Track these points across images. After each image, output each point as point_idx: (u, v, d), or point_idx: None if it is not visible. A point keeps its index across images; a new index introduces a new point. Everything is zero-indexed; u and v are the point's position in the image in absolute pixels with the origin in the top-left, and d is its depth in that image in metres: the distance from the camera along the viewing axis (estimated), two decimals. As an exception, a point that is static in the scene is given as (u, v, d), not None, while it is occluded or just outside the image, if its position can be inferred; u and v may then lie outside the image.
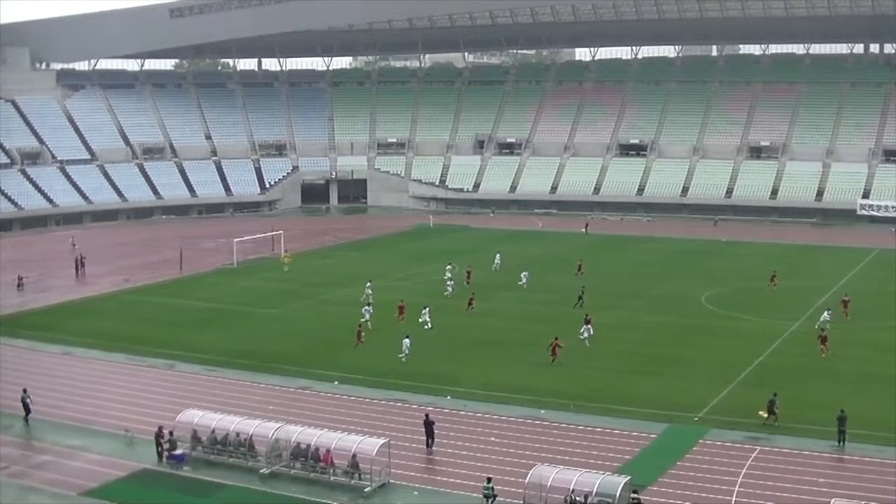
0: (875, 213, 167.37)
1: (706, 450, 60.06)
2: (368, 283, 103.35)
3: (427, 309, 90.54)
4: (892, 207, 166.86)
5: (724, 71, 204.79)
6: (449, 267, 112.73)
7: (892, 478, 55.59)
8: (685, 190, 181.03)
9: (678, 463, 57.88)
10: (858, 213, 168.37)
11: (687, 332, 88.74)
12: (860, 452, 59.52)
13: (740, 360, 78.87)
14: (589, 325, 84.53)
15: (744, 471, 56.51)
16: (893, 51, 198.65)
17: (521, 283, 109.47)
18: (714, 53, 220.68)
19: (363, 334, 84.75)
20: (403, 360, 78.13)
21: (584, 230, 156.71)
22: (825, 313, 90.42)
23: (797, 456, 59.03)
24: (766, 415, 63.95)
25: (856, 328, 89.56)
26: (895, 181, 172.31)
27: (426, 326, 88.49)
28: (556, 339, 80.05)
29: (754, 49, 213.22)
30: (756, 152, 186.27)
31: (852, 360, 79.66)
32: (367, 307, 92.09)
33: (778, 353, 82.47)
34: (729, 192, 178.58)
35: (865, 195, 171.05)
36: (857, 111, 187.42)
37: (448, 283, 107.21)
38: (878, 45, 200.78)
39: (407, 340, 79.41)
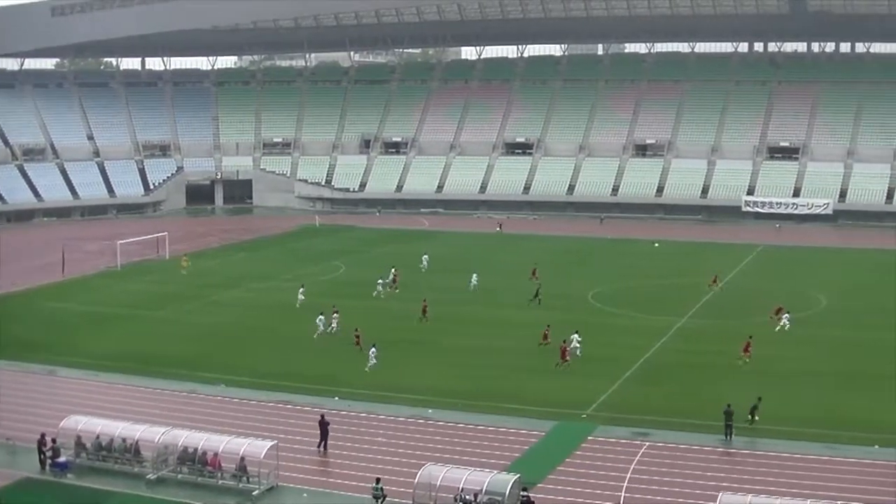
0: (760, 210, 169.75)
1: (594, 446, 60.28)
2: (301, 289, 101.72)
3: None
4: (777, 204, 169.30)
5: (609, 69, 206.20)
6: (393, 270, 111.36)
7: (779, 470, 56.29)
8: (571, 188, 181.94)
9: (567, 460, 58.01)
10: (743, 209, 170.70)
11: (573, 329, 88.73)
12: (746, 445, 60.24)
13: (627, 357, 79.33)
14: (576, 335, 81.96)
15: (632, 466, 56.81)
16: (777, 49, 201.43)
17: (471, 285, 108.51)
18: (599, 52, 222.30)
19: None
20: (368, 370, 76.82)
21: (497, 229, 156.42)
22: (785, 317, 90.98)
23: (685, 451, 59.50)
24: (752, 418, 63.61)
25: (741, 324, 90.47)
26: (779, 178, 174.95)
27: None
28: (548, 326, 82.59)
29: (640, 48, 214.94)
30: (642, 150, 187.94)
31: (735, 355, 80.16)
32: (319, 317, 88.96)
33: (665, 349, 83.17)
34: (615, 189, 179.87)
35: (750, 192, 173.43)
36: (742, 109, 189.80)
37: (379, 283, 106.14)
38: (762, 44, 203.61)
39: (374, 350, 77.86)
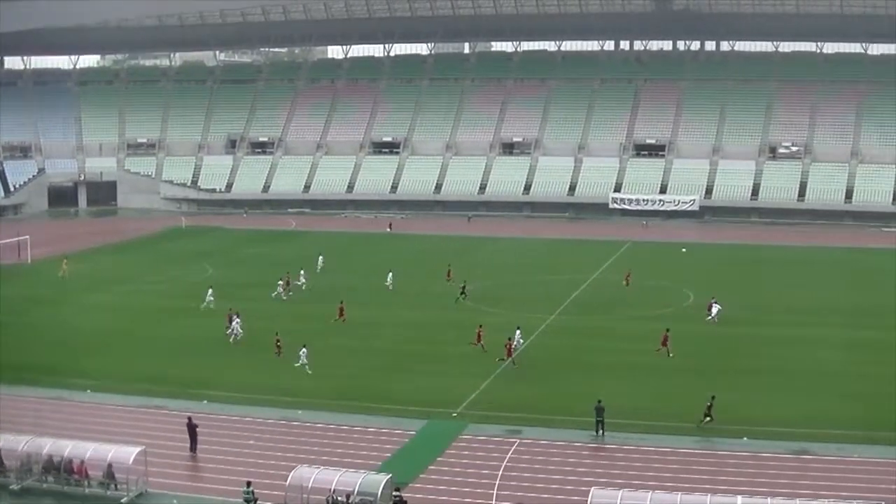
0: (627, 207, 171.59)
1: (466, 445, 60.11)
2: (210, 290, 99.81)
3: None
4: (644, 201, 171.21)
5: (476, 68, 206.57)
6: (302, 272, 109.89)
7: (649, 464, 56.68)
8: (439, 187, 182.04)
9: (439, 459, 57.74)
10: (611, 206, 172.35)
11: (444, 329, 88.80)
12: (617, 441, 60.55)
13: (498, 354, 79.04)
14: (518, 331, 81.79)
15: (504, 464, 56.70)
16: (643, 48, 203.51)
17: (387, 284, 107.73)
18: (466, 51, 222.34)
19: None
20: (309, 371, 75.68)
21: (388, 229, 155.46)
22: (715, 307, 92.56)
23: (557, 447, 59.58)
24: (705, 418, 63.46)
25: (608, 318, 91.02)
26: (646, 175, 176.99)
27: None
28: (480, 326, 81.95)
29: (506, 46, 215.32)
30: (509, 148, 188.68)
31: (605, 351, 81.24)
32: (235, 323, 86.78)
33: (534, 346, 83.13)
34: (482, 188, 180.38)
35: (617, 189, 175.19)
36: (608, 107, 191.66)
37: (279, 284, 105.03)
38: (627, 43, 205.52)
39: (304, 350, 76.64)
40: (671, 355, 79.21)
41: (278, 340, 79.87)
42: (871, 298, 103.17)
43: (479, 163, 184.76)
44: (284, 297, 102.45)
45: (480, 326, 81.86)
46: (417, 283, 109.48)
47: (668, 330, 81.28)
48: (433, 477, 55.14)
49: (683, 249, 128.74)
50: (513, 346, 77.62)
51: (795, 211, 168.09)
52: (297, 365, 75.84)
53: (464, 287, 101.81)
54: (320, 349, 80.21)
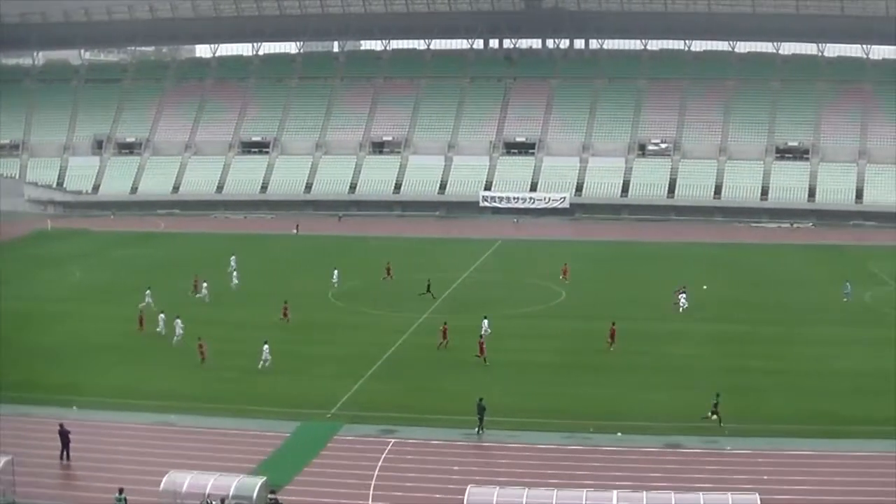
0: (497, 205, 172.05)
1: (341, 445, 59.85)
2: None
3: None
4: (514, 199, 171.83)
5: (345, 67, 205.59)
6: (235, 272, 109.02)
7: (525, 461, 56.94)
8: (309, 187, 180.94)
9: (314, 461, 57.34)
10: (481, 204, 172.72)
11: (315, 329, 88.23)
12: (493, 439, 60.68)
13: (370, 354, 79.03)
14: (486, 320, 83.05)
15: (379, 464, 56.48)
16: (513, 46, 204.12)
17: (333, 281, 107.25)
18: (336, 49, 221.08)
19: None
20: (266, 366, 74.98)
21: (294, 231, 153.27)
22: (682, 297, 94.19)
23: (432, 446, 59.64)
24: (711, 415, 63.42)
25: (480, 317, 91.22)
26: (516, 173, 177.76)
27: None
28: (445, 324, 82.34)
29: (375, 45, 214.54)
30: (378, 147, 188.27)
31: (605, 342, 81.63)
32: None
33: (407, 345, 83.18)
34: (353, 187, 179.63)
35: (488, 187, 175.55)
36: (478, 105, 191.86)
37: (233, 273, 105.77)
38: (497, 41, 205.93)
39: (266, 347, 75.80)
40: (612, 349, 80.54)
41: (201, 345, 78.31)
42: (740, 293, 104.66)
43: (349, 162, 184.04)
44: (207, 300, 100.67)
45: (445, 324, 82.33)
46: (289, 284, 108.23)
47: (613, 324, 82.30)
48: (309, 479, 54.70)
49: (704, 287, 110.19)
50: (482, 341, 78.04)
51: (665, 207, 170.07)
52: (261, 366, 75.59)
53: (428, 286, 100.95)
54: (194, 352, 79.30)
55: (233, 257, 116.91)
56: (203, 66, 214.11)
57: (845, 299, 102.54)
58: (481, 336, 79.30)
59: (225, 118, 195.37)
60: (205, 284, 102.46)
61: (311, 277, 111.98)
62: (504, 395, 66.68)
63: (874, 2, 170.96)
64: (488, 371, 74.53)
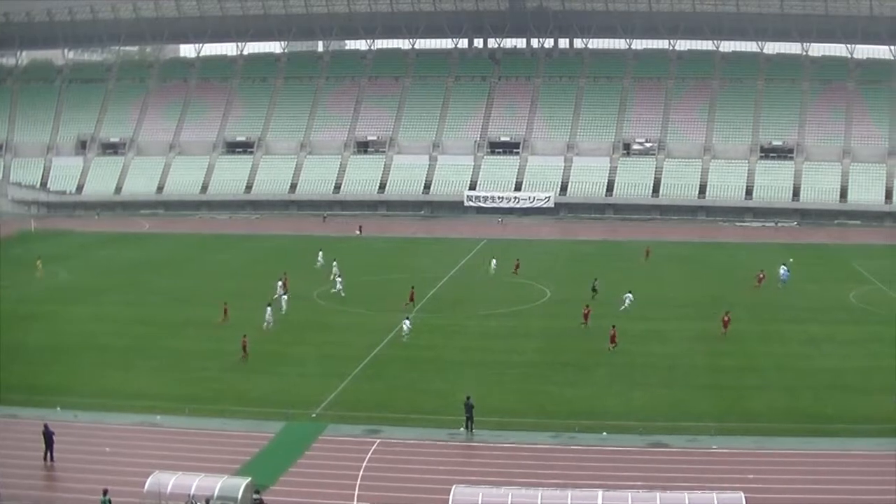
0: (482, 205, 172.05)
1: (326, 446, 59.82)
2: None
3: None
4: (499, 198, 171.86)
5: (330, 67, 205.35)
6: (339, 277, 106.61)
7: (510, 461, 56.97)
8: (293, 186, 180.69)
9: (299, 461, 57.32)
10: (466, 204, 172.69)
11: (300, 328, 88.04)
12: (478, 438, 60.92)
13: (355, 354, 78.92)
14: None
15: (364, 464, 56.50)
16: (497, 45, 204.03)
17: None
18: (320, 49, 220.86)
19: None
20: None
21: (357, 232, 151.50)
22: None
23: (417, 446, 59.68)
24: None
25: (465, 316, 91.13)
26: (501, 172, 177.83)
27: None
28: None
29: (360, 45, 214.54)
30: (363, 147, 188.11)
31: (463, 349, 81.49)
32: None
33: (393, 344, 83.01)
34: (337, 187, 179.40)
35: (472, 187, 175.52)
36: (463, 105, 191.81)
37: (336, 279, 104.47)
38: (481, 41, 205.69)
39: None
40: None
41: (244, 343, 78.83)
42: (723, 291, 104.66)
43: (333, 162, 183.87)
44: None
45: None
46: (265, 282, 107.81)
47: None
48: (293, 479, 54.68)
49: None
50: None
51: (650, 207, 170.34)
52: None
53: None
54: (174, 352, 79.15)
55: (334, 262, 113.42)
56: (187, 65, 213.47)
57: (780, 285, 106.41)
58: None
59: (209, 118, 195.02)
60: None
61: (296, 278, 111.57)
62: (489, 395, 66.65)
63: (858, 1, 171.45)
64: (473, 370, 74.56)
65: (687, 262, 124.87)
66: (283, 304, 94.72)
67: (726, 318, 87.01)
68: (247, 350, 77.78)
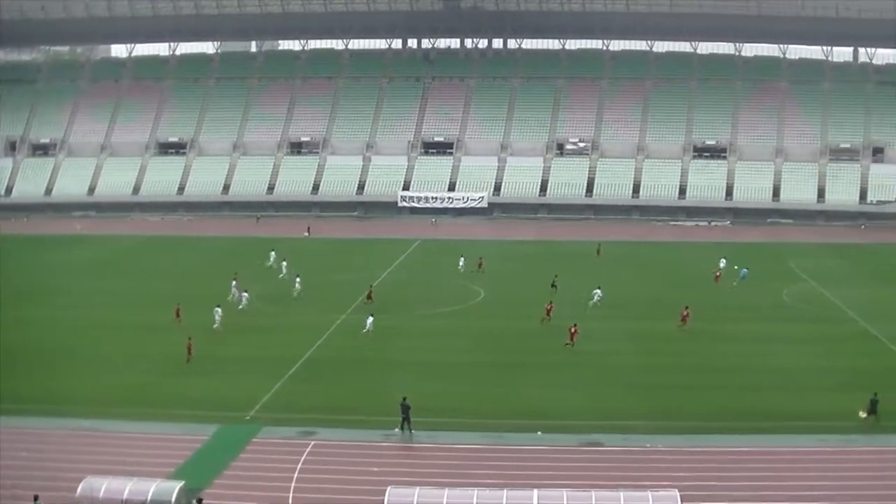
0: (416, 205, 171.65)
1: (260, 448, 59.47)
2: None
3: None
4: (433, 199, 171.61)
5: (263, 67, 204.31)
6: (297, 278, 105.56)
7: (445, 461, 57.10)
8: (227, 187, 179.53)
9: (233, 464, 56.88)
10: (400, 204, 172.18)
11: (234, 330, 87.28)
12: (415, 438, 60.96)
13: (289, 355, 78.60)
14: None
15: (299, 466, 56.32)
16: (431, 45, 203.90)
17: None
18: (253, 49, 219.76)
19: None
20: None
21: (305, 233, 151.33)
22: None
23: (352, 447, 59.47)
24: (865, 415, 63.54)
25: (400, 317, 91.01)
26: (434, 173, 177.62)
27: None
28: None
29: (293, 45, 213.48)
30: (297, 148, 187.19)
31: (398, 349, 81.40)
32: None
33: (327, 345, 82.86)
34: (271, 188, 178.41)
35: (406, 187, 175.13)
36: (396, 105, 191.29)
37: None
38: (415, 41, 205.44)
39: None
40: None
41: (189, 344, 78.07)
42: (657, 290, 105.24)
43: (267, 162, 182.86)
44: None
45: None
46: (206, 286, 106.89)
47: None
48: (228, 482, 54.26)
49: None
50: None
51: (584, 206, 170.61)
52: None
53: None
54: (103, 356, 78.40)
55: (283, 262, 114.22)
56: (119, 66, 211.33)
57: (735, 283, 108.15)
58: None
59: (141, 119, 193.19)
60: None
61: (228, 279, 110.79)
62: (426, 395, 66.32)
63: (790, 2, 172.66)
64: (410, 371, 74.35)
65: (630, 261, 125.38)
66: (244, 301, 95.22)
67: (685, 313, 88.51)
68: (191, 352, 77.05)
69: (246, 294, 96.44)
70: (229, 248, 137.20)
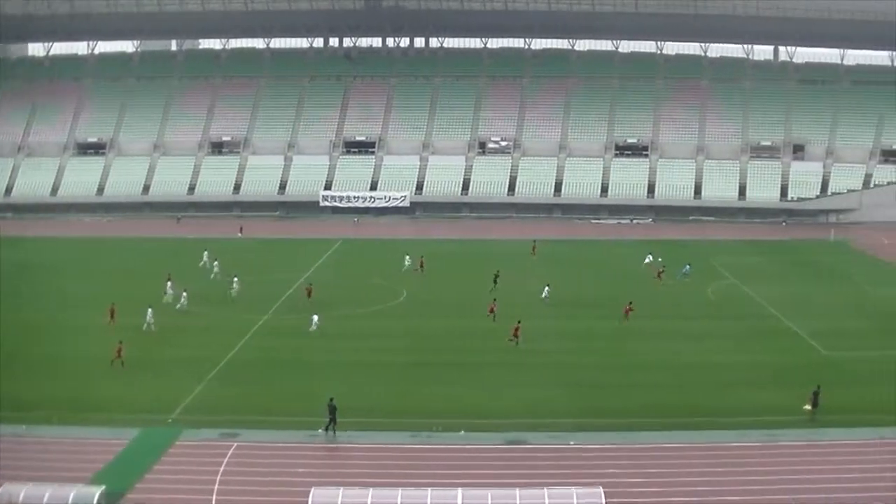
0: (338, 205, 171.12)
1: (182, 451, 58.88)
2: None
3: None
4: (355, 198, 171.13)
5: (184, 66, 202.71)
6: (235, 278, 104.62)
7: (369, 461, 56.96)
8: (147, 188, 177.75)
9: (155, 467, 56.24)
10: (322, 204, 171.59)
11: (163, 331, 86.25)
12: (339, 439, 60.72)
13: (211, 357, 78.01)
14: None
15: (222, 468, 55.83)
16: (352, 44, 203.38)
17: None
18: (174, 48, 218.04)
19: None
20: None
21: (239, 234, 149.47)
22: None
23: (276, 448, 59.21)
24: (809, 407, 64.72)
25: (324, 317, 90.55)
26: (356, 172, 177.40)
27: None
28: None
29: (214, 44, 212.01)
30: (218, 147, 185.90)
31: (321, 350, 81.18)
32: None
33: (249, 346, 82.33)
34: (192, 188, 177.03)
35: (328, 187, 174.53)
36: (318, 104, 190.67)
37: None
38: (337, 40, 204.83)
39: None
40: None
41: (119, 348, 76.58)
42: (582, 289, 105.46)
43: (187, 163, 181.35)
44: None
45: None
46: (126, 288, 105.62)
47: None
48: (149, 486, 53.61)
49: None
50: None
51: (506, 205, 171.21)
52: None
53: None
54: (34, 358, 77.37)
55: (215, 262, 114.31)
56: (36, 65, 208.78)
57: (678, 277, 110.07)
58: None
59: (59, 119, 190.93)
60: None
61: (151, 279, 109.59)
62: (351, 395, 65.89)
63: (711, 1, 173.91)
64: (334, 371, 74.00)
65: (565, 260, 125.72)
66: (183, 301, 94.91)
67: (628, 308, 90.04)
68: (121, 355, 75.98)
69: (185, 293, 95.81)
70: (155, 248, 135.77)
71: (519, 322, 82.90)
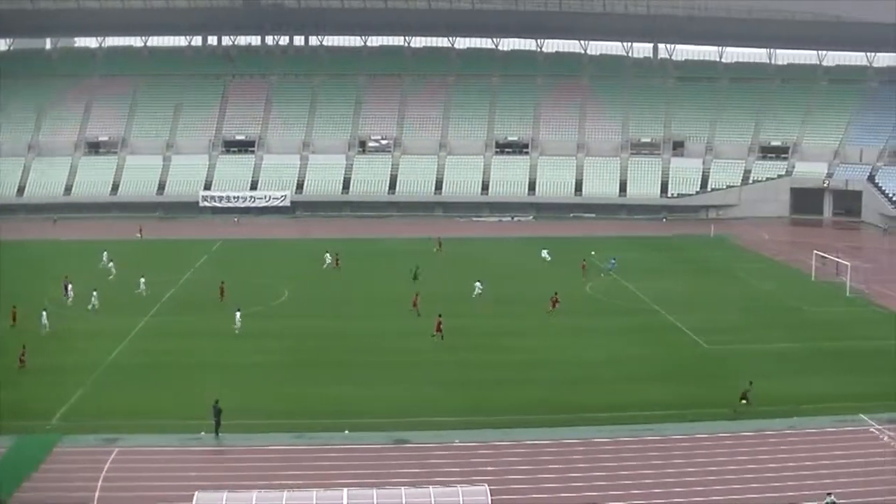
0: (217, 205, 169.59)
1: (61, 457, 57.91)
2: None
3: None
4: (234, 198, 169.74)
5: (58, 65, 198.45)
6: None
7: (253, 464, 56.77)
8: (21, 189, 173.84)
9: (34, 475, 55.29)
10: (201, 204, 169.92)
11: (30, 338, 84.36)
12: (223, 442, 60.37)
13: (90, 362, 76.75)
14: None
15: (103, 474, 55.03)
16: (231, 42, 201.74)
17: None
18: (48, 47, 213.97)
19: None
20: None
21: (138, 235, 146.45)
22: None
23: (158, 452, 58.70)
24: (744, 401, 65.10)
25: (204, 318, 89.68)
26: (236, 171, 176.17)
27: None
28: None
29: (90, 42, 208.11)
30: (94, 147, 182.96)
31: (204, 351, 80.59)
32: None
33: (129, 350, 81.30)
34: (68, 189, 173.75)
35: (207, 186, 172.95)
36: (197, 103, 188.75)
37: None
38: (215, 38, 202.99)
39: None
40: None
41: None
42: (461, 288, 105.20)
43: (63, 163, 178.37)
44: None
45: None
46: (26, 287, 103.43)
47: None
48: (28, 494, 52.75)
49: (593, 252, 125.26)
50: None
51: (386, 204, 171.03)
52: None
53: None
54: None
55: (111, 263, 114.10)
56: None
57: (603, 275, 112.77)
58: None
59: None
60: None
61: (23, 283, 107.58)
62: (230, 397, 65.16)
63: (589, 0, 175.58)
64: (216, 373, 73.27)
65: (424, 258, 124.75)
66: (94, 300, 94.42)
67: (555, 299, 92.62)
68: (24, 360, 74.39)
69: (95, 293, 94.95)
70: (39, 251, 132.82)
71: (440, 316, 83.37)
